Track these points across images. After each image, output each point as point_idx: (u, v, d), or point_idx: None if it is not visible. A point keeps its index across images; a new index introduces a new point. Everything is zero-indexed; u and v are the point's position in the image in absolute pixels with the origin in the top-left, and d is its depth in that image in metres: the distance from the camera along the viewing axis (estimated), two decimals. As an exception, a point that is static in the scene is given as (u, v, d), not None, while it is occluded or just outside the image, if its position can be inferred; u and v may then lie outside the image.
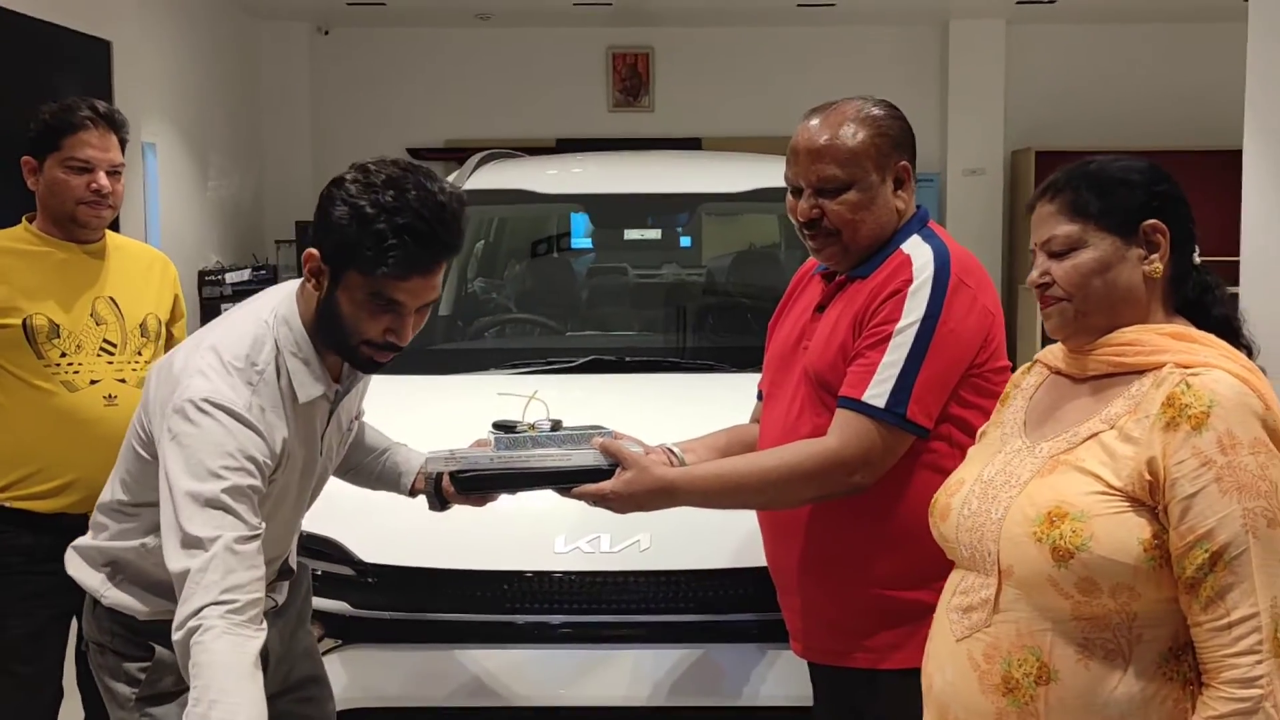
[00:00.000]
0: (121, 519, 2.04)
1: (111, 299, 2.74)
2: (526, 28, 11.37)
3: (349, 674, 2.53)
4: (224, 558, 1.77)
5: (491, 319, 4.25)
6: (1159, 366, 1.61)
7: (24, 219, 2.76)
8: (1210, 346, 1.63)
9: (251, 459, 1.86)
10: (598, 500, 2.06)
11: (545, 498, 2.33)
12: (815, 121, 2.12)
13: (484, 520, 2.42)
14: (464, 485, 2.19)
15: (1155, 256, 1.67)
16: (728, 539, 2.51)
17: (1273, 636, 1.49)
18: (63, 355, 2.65)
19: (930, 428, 2.03)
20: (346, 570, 2.57)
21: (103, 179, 2.69)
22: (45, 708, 2.70)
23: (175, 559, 1.80)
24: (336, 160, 12.58)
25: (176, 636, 1.77)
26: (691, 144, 11.00)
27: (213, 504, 1.81)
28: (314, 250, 1.91)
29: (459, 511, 2.31)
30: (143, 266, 2.86)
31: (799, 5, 10.63)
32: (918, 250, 2.09)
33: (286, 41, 11.23)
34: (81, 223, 2.71)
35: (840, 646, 2.12)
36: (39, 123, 2.71)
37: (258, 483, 1.86)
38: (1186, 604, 1.54)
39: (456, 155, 6.13)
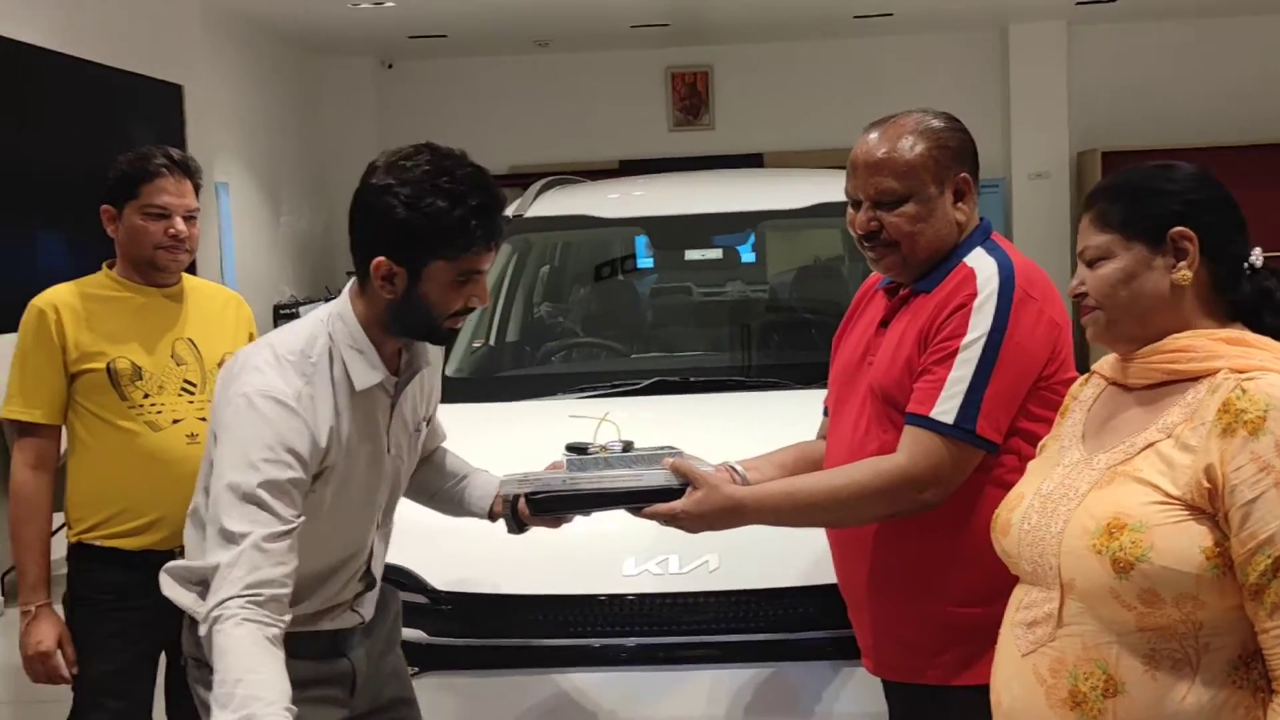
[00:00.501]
0: (202, 527, 2.09)
1: (190, 340, 2.82)
2: (585, 52, 11.48)
3: (427, 701, 2.58)
4: (251, 554, 1.83)
5: (558, 344, 4.30)
6: (1213, 372, 1.61)
7: (104, 265, 2.85)
8: (1266, 350, 1.63)
9: (292, 450, 1.92)
10: (668, 520, 2.09)
11: (614, 520, 2.36)
12: (874, 135, 2.14)
13: (553, 545, 2.46)
14: (537, 507, 2.23)
15: (1183, 264, 1.67)
16: (797, 557, 2.52)
17: None
18: (145, 396, 2.73)
19: (999, 443, 2.03)
20: (420, 598, 2.62)
21: (179, 224, 2.77)
22: None
23: (211, 552, 1.88)
24: (403, 191, 12.72)
25: (202, 631, 1.84)
26: (753, 160, 11.02)
27: (249, 498, 1.87)
28: (382, 259, 1.96)
29: (527, 536, 2.35)
30: (218, 307, 2.94)
31: (856, 17, 10.61)
32: (981, 263, 2.09)
33: (351, 76, 11.45)
34: (160, 267, 2.80)
35: (911, 663, 2.13)
36: (116, 171, 2.79)
37: (298, 474, 1.92)
38: (1252, 610, 1.53)
39: (521, 181, 6.24)
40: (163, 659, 2.83)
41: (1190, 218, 1.69)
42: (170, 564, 2.16)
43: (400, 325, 2.04)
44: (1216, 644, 1.56)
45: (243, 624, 1.80)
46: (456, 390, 3.53)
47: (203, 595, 2.06)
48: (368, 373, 2.03)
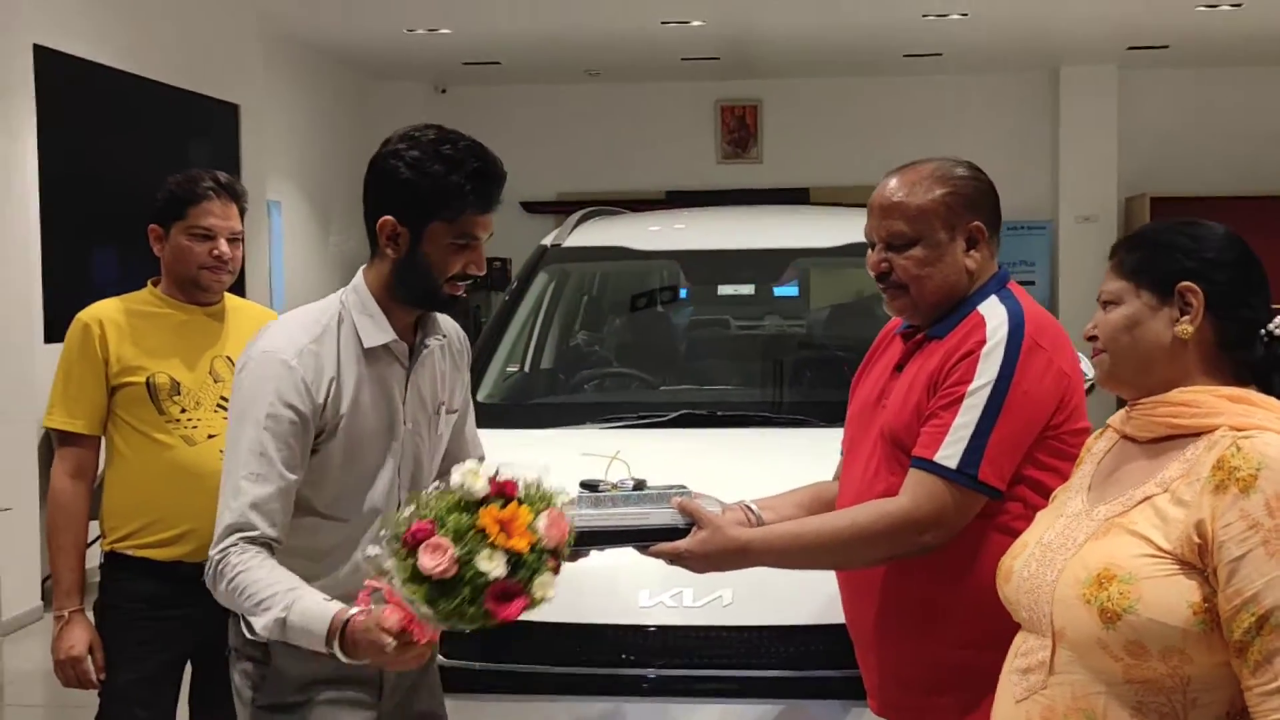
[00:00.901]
0: None
1: (228, 358, 2.89)
2: (636, 83, 11.60)
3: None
4: (252, 489, 2.04)
5: (590, 372, 4.36)
6: (1213, 429, 1.64)
7: (149, 283, 2.94)
8: (1269, 410, 1.65)
9: (290, 405, 2.08)
10: (674, 559, 2.12)
11: (631, 553, 2.42)
12: (893, 180, 2.20)
13: (572, 573, 2.49)
14: None
15: (1185, 318, 1.71)
16: (809, 595, 2.55)
17: None
18: (183, 411, 2.80)
19: (1003, 489, 2.06)
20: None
21: (224, 245, 2.85)
22: None
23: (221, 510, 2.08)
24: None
25: (210, 582, 2.03)
26: (799, 195, 11.07)
27: (252, 448, 2.06)
28: (389, 218, 2.12)
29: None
30: (256, 326, 3.00)
31: (906, 55, 10.66)
32: (993, 311, 2.13)
33: (405, 101, 11.62)
34: (204, 286, 2.88)
35: (914, 704, 2.15)
36: (165, 193, 2.86)
37: (297, 425, 2.08)
38: (1237, 667, 1.55)
39: (568, 209, 6.33)
40: (188, 669, 2.90)
41: (1201, 275, 1.73)
42: None
43: (405, 288, 2.17)
44: (1204, 699, 1.58)
45: (244, 550, 2.02)
46: (487, 415, 3.59)
47: None
48: (377, 333, 2.17)
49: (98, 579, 2.88)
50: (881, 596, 2.17)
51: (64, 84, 6.83)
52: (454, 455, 2.43)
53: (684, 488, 2.25)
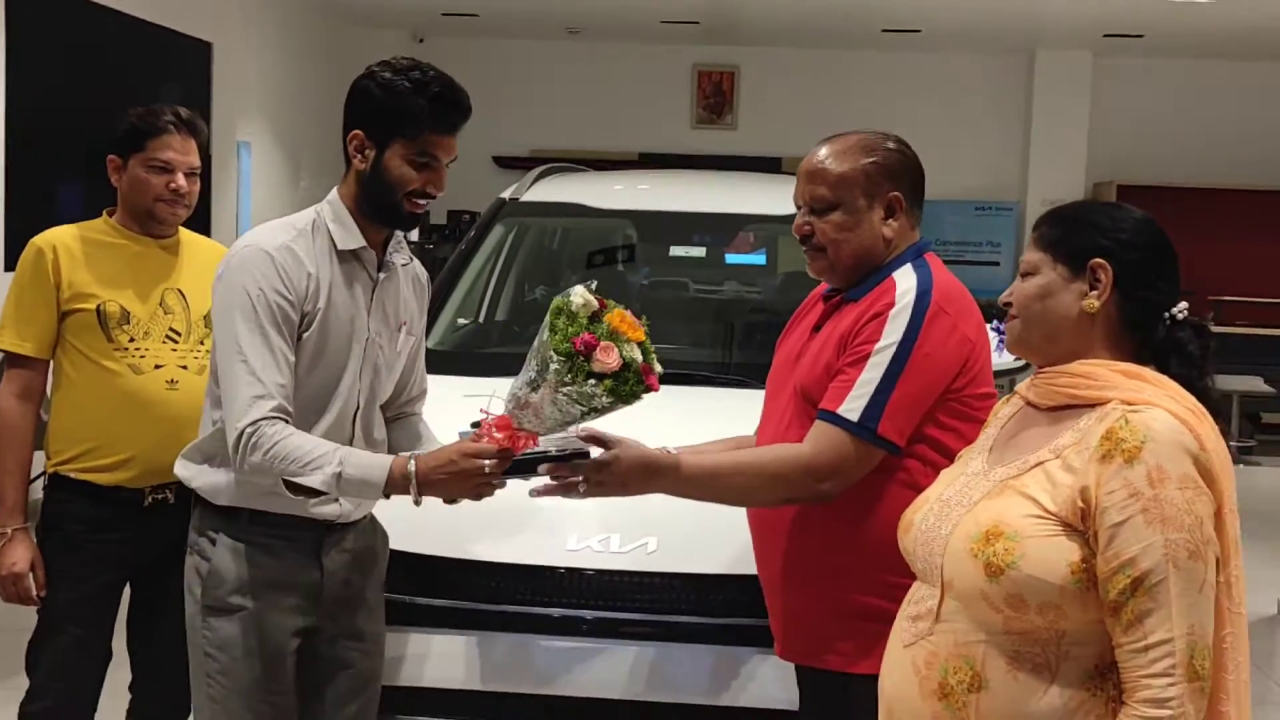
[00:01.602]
0: (213, 406, 2.36)
1: (180, 291, 2.94)
2: (615, 43, 11.59)
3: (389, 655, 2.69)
4: (261, 368, 2.20)
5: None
6: (1106, 401, 1.72)
7: (104, 213, 2.97)
8: (1158, 386, 1.73)
9: (276, 289, 2.24)
10: (589, 476, 2.09)
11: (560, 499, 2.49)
12: (823, 148, 2.31)
13: (503, 516, 2.58)
14: None
15: (1094, 293, 1.79)
16: (729, 546, 2.63)
17: (1186, 662, 1.59)
18: (131, 340, 2.85)
19: (902, 445, 2.16)
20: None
21: (181, 180, 2.88)
22: (95, 666, 2.90)
23: (229, 389, 2.23)
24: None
25: (239, 456, 2.18)
26: (772, 163, 11.11)
27: (250, 332, 2.21)
28: (358, 130, 2.32)
29: (482, 506, 2.45)
30: (210, 262, 3.04)
31: (884, 30, 10.70)
32: (904, 277, 2.23)
33: (382, 49, 11.38)
34: (159, 219, 2.91)
35: (815, 648, 2.25)
36: (126, 125, 2.89)
37: (284, 308, 2.25)
38: (1110, 625, 1.65)
39: (540, 165, 6.39)
40: (126, 592, 2.96)
41: (1113, 254, 1.81)
42: (185, 449, 2.42)
43: (369, 201, 2.34)
44: (1076, 652, 1.68)
45: (274, 423, 2.19)
46: (437, 362, 3.65)
47: (205, 465, 2.36)
48: (349, 238, 2.35)
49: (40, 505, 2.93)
50: (788, 544, 2.27)
51: (34, 15, 6.79)
52: (403, 382, 2.56)
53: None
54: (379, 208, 2.35)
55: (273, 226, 2.36)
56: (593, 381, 2.05)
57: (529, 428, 2.14)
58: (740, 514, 2.40)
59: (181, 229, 3.02)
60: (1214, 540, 1.65)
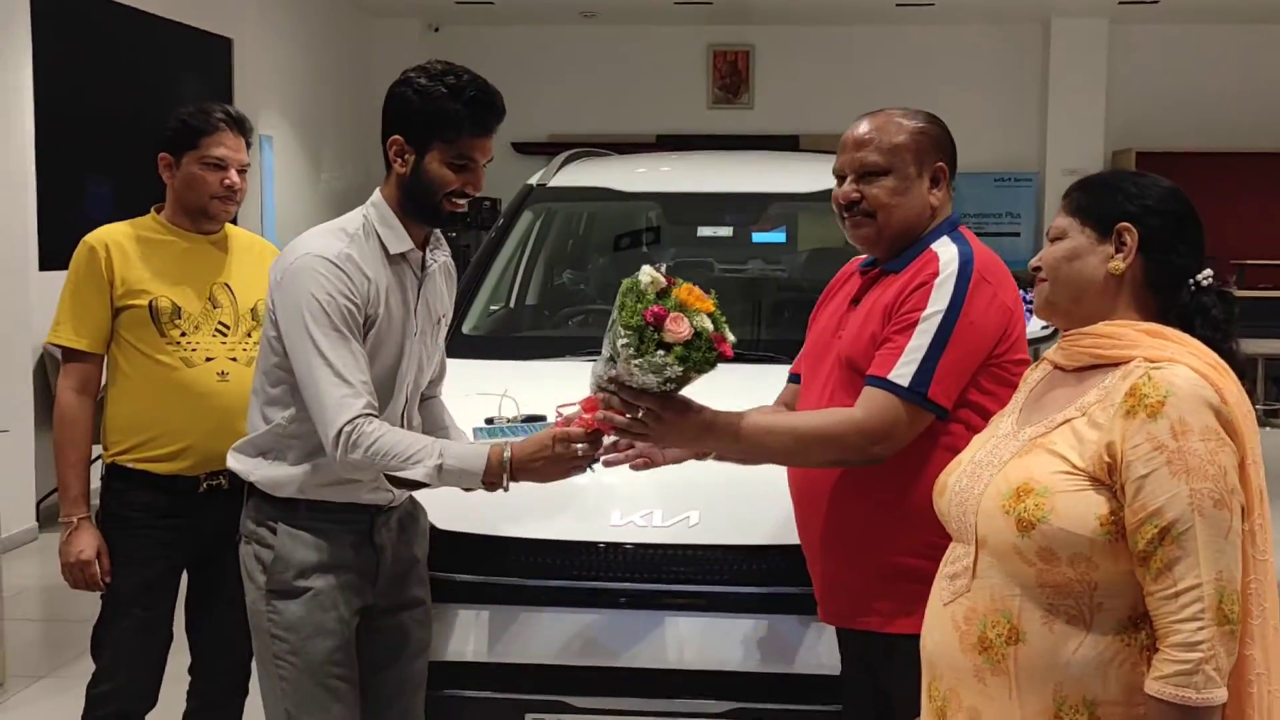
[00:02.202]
0: (267, 404, 2.45)
1: (228, 285, 3.02)
2: (629, 25, 11.62)
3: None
4: (347, 370, 2.30)
5: (574, 309, 4.49)
6: (1130, 360, 1.80)
7: (153, 210, 3.05)
8: (1180, 344, 1.80)
9: (343, 294, 2.33)
10: (649, 427, 2.18)
11: (605, 474, 2.58)
12: (865, 120, 2.40)
13: (547, 493, 2.65)
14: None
15: (1119, 256, 1.86)
16: (770, 518, 2.70)
17: (1215, 606, 1.67)
18: (182, 334, 2.94)
19: (949, 409, 2.24)
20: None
21: (234, 176, 2.98)
22: (158, 648, 3.01)
23: (318, 391, 2.30)
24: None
25: (339, 453, 2.27)
26: (789, 141, 11.16)
27: (327, 341, 2.30)
28: (398, 136, 2.40)
29: (522, 485, 2.55)
30: (255, 256, 3.14)
31: (898, 4, 10.71)
32: (945, 249, 2.32)
33: (399, 38, 11.64)
34: (212, 215, 3.01)
35: (858, 610, 2.33)
36: (177, 123, 2.98)
37: (352, 312, 2.34)
38: (1140, 575, 1.72)
39: (558, 150, 6.43)
40: (184, 578, 3.07)
41: (1139, 219, 1.88)
42: (237, 443, 2.51)
43: (411, 202, 2.42)
44: (1109, 604, 1.75)
45: (371, 421, 2.29)
46: (472, 347, 3.74)
47: (262, 459, 2.45)
48: (400, 241, 2.44)
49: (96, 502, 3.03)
50: (832, 509, 2.34)
51: (59, 15, 6.89)
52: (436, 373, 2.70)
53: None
54: (421, 208, 2.43)
55: (325, 232, 2.43)
56: (661, 352, 2.13)
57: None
58: (778, 486, 2.48)
59: (228, 225, 3.12)
60: (1238, 489, 1.71)
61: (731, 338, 2.22)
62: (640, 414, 2.19)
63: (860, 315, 2.36)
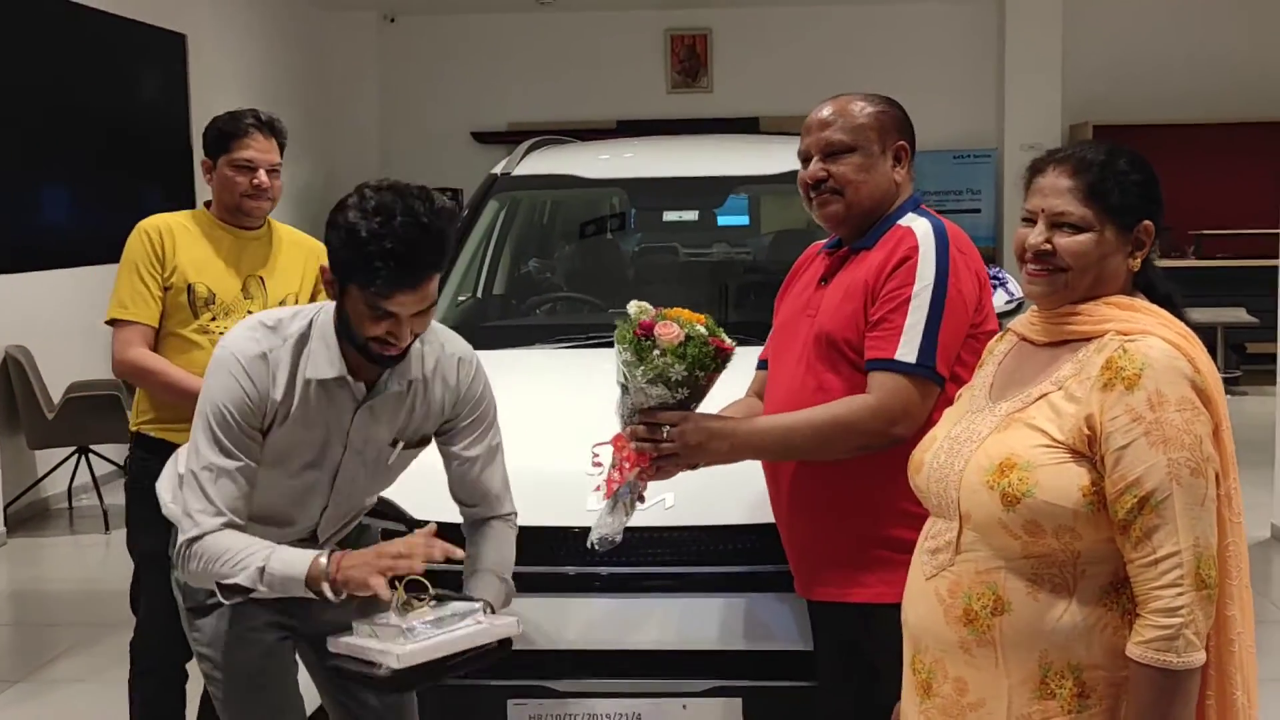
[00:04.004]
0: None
1: (262, 278, 3.23)
2: (585, 11, 11.58)
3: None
4: (209, 484, 2.18)
5: (540, 298, 4.49)
6: (1103, 334, 1.81)
7: (203, 205, 3.29)
8: (1150, 315, 1.82)
9: (245, 405, 2.20)
10: (671, 440, 2.23)
11: (581, 460, 2.59)
12: (829, 104, 2.44)
13: (522, 480, 2.66)
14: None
15: (1140, 254, 1.87)
16: (745, 497, 2.72)
17: (1194, 572, 1.69)
18: (213, 319, 3.14)
19: (946, 379, 2.27)
20: (401, 527, 2.83)
21: (263, 176, 3.18)
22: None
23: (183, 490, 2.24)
24: (403, 146, 12.76)
25: (180, 567, 2.19)
26: (749, 124, 11.16)
27: (207, 440, 2.20)
28: (325, 264, 2.21)
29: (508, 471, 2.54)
30: (295, 254, 3.33)
31: (854, -16, 10.72)
32: (917, 224, 2.36)
33: (354, 30, 11.55)
34: (246, 212, 3.21)
35: (837, 582, 2.36)
36: (213, 130, 3.21)
37: (243, 424, 2.21)
38: (1121, 543, 1.74)
39: (518, 139, 6.37)
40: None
41: (1153, 215, 1.88)
42: (164, 471, 2.51)
43: (339, 331, 2.23)
44: (1091, 571, 1.77)
45: (218, 530, 2.17)
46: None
47: (176, 490, 2.38)
48: (322, 366, 2.23)
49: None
50: (804, 479, 2.37)
51: (5, 12, 6.78)
52: (467, 494, 2.47)
53: (471, 597, 2.27)
54: (353, 344, 2.22)
55: (261, 325, 2.27)
56: (658, 353, 2.19)
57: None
58: (750, 467, 2.48)
59: (274, 223, 3.35)
60: (1213, 457, 1.74)
61: (730, 341, 2.26)
62: (665, 432, 2.24)
63: (837, 292, 2.37)
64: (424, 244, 2.09)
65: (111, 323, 3.15)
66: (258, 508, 2.27)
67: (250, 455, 2.23)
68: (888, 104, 2.44)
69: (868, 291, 2.30)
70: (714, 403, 2.56)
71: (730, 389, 2.55)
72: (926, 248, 2.29)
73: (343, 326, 2.22)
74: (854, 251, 2.39)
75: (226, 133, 3.17)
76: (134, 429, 3.23)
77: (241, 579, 2.13)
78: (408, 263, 2.08)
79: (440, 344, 2.38)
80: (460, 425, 2.42)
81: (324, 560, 2.12)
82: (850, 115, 2.38)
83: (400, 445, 2.38)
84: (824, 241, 2.54)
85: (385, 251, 2.06)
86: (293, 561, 2.13)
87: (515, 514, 2.52)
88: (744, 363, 2.67)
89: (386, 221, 2.07)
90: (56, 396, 6.60)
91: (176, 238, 3.16)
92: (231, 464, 2.20)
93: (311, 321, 2.26)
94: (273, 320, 2.28)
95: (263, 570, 2.12)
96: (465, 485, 2.46)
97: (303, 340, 2.24)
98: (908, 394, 2.23)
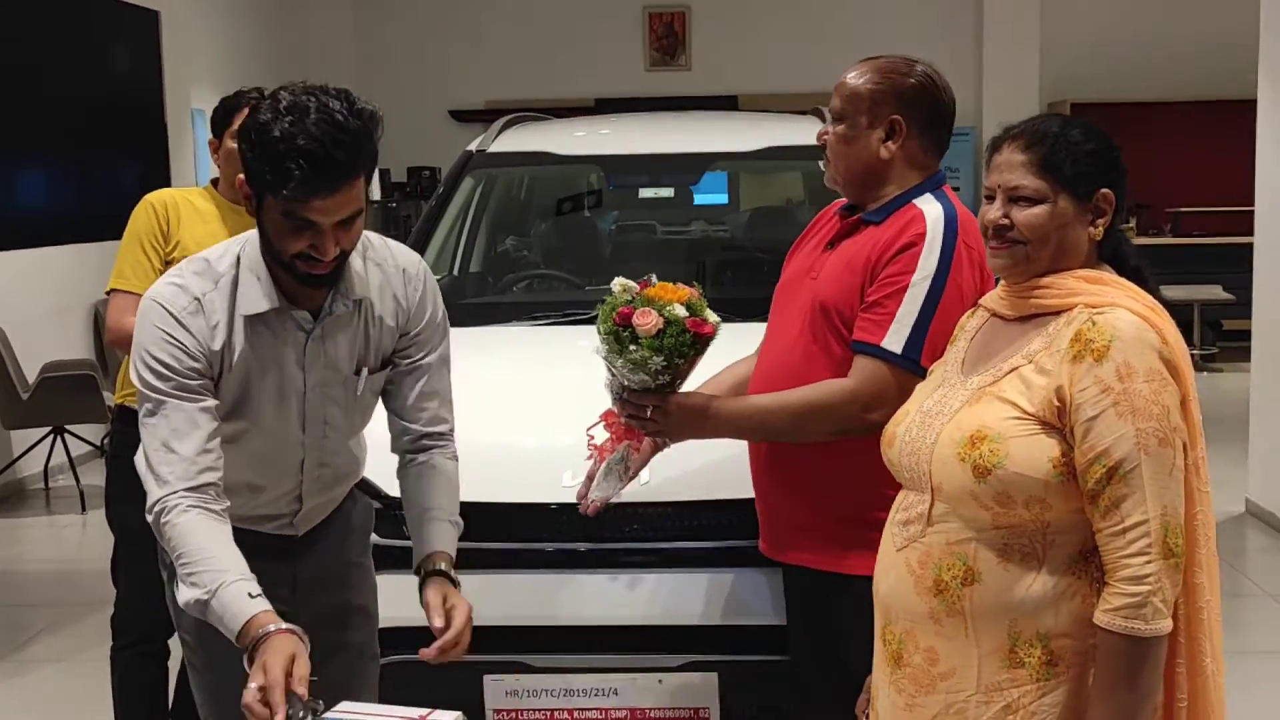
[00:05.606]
0: None
1: None
2: (564, -11, 11.53)
3: (381, 598, 2.78)
4: (167, 454, 2.00)
5: (516, 275, 4.48)
6: (1072, 307, 1.82)
7: (210, 182, 3.32)
8: (1118, 288, 1.83)
9: (182, 355, 2.02)
10: (654, 422, 2.30)
11: (556, 436, 2.59)
12: (855, 66, 2.42)
13: (497, 456, 2.66)
14: None
15: (1101, 221, 1.87)
16: (722, 472, 2.72)
17: (1161, 540, 1.70)
18: None
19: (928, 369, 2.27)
20: (375, 504, 2.82)
21: None
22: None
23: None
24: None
25: (154, 527, 2.01)
26: (728, 102, 11.14)
27: (147, 394, 2.03)
28: (242, 176, 2.01)
29: (474, 449, 2.54)
30: None
31: (832, -38, 10.69)
32: (929, 207, 2.32)
33: (330, 7, 11.47)
34: None
35: (809, 548, 2.38)
36: (218, 106, 3.26)
37: (200, 371, 2.04)
38: (1090, 512, 1.75)
39: (496, 117, 6.33)
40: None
41: (1114, 183, 1.87)
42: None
43: (269, 254, 2.06)
44: (1060, 540, 1.78)
45: (188, 511, 1.97)
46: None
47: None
48: (256, 300, 2.08)
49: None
50: (790, 454, 2.38)
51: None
52: (415, 404, 2.32)
53: None
54: (278, 264, 2.04)
55: (186, 270, 2.10)
56: (634, 347, 2.21)
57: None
58: (728, 443, 2.48)
59: None
60: (1181, 427, 1.75)
61: (714, 318, 2.28)
62: (649, 412, 2.29)
63: (839, 261, 2.37)
64: (340, 143, 1.91)
65: (111, 293, 3.18)
66: (230, 476, 2.09)
67: (197, 395, 2.04)
68: (902, 76, 2.35)
69: (869, 269, 2.30)
70: (701, 375, 2.56)
71: (725, 359, 2.57)
72: (934, 236, 2.27)
73: (266, 247, 2.05)
74: (865, 223, 2.37)
75: (229, 107, 3.21)
76: (118, 402, 3.25)
77: (181, 599, 1.96)
78: (322, 163, 1.90)
79: (386, 257, 2.23)
80: (416, 338, 2.28)
81: (260, 632, 1.88)
82: (847, 84, 2.37)
83: (365, 371, 2.23)
84: (842, 201, 2.50)
85: (297, 149, 1.89)
86: (234, 612, 1.91)
87: (453, 430, 2.38)
88: (727, 340, 2.67)
89: (299, 120, 1.91)
90: (31, 377, 6.57)
91: (181, 212, 3.18)
92: (189, 407, 2.02)
93: (239, 256, 2.09)
94: (199, 261, 2.11)
95: (206, 604, 1.93)
96: (415, 394, 2.30)
97: (235, 279, 2.08)
98: (886, 382, 2.23)
